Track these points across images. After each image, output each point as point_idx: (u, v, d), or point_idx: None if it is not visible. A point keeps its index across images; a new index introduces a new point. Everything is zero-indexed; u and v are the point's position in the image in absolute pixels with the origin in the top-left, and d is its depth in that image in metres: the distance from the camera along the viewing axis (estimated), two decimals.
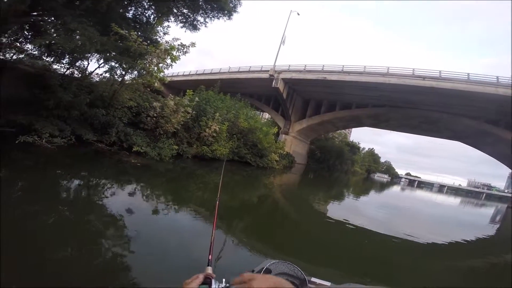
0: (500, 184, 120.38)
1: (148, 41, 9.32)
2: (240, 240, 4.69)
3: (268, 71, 28.96)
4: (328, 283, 1.90)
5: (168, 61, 9.42)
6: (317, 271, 2.21)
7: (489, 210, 28.83)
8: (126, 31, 7.81)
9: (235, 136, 15.08)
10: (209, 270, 0.92)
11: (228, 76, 32.95)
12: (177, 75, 38.93)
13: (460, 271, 5.18)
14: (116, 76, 9.77)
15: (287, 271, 1.95)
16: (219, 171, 12.32)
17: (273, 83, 28.33)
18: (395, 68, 24.71)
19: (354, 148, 53.45)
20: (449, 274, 4.83)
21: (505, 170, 51.38)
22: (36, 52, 8.94)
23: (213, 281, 0.88)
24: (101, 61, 9.36)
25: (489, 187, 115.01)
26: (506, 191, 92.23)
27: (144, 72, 9.41)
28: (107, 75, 9.76)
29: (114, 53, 8.38)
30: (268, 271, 1.90)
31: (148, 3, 9.82)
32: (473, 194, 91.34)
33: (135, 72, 9.64)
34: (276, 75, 28.35)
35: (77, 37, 7.04)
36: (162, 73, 9.94)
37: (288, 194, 12.78)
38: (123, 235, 3.52)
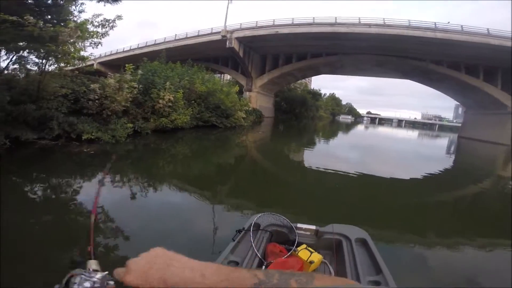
0: (449, 115, 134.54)
1: (62, 24, 8.14)
2: (225, 203, 4.72)
3: (219, 32, 27.98)
4: (313, 227, 1.99)
5: (84, 39, 8.48)
6: (301, 219, 2.24)
7: (443, 141, 32.28)
8: (17, 17, 6.62)
9: (194, 102, 14.50)
10: (94, 265, 0.67)
11: (175, 44, 30.95)
12: (117, 52, 36.02)
13: (428, 207, 5.50)
14: (29, 66, 8.80)
15: (274, 221, 2.06)
16: (185, 140, 12.13)
17: (227, 43, 27.62)
18: (343, 18, 25.90)
19: (316, 95, 54.79)
20: (418, 210, 5.19)
21: (452, 102, 56.66)
22: None
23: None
24: (10, 54, 8.24)
25: (440, 118, 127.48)
26: (454, 121, 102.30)
27: (59, 56, 8.35)
28: (15, 66, 8.77)
29: (20, 43, 7.38)
30: (257, 226, 1.97)
31: None
32: (427, 126, 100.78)
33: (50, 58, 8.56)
34: (228, 35, 27.56)
35: None
36: (81, 52, 8.88)
37: (262, 148, 13.04)
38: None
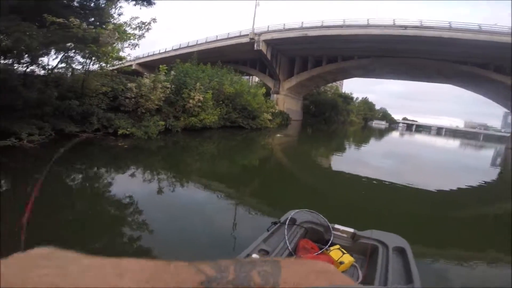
0: (496, 123, 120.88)
1: (103, 26, 8.87)
2: (254, 200, 4.77)
3: (247, 35, 28.32)
4: (351, 229, 1.97)
5: (122, 40, 9.13)
6: (337, 220, 2.21)
7: (489, 152, 28.89)
8: (63, 19, 7.28)
9: (222, 102, 14.84)
10: None
11: (206, 46, 31.93)
12: (154, 54, 38.06)
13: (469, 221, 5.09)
14: (74, 65, 9.55)
15: (311, 219, 2.07)
16: (213, 139, 12.43)
17: (255, 46, 27.88)
18: (375, 19, 25.19)
19: (347, 98, 52.95)
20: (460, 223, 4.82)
21: (500, 109, 51.55)
22: None
23: None
24: (58, 54, 9.04)
25: (486, 127, 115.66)
26: (503, 130, 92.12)
27: (100, 56, 9.07)
28: (63, 65, 9.50)
29: (68, 44, 8.07)
30: (293, 221, 2.01)
31: None
32: (471, 135, 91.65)
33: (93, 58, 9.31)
34: (256, 37, 27.83)
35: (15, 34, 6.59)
36: (120, 53, 9.60)
37: (289, 151, 12.84)
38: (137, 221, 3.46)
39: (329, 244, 1.83)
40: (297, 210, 2.13)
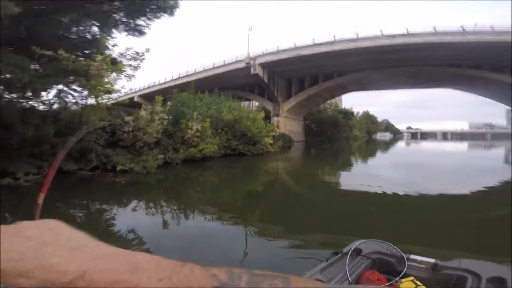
0: (500, 121, 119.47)
1: (92, 56, 8.95)
2: (279, 229, 4.41)
3: (243, 60, 29.03)
4: (432, 260, 1.68)
5: (112, 71, 9.01)
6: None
7: (499, 151, 28.45)
8: (51, 52, 7.33)
9: (221, 130, 14.75)
10: None
11: (205, 74, 32.78)
12: (154, 85, 39.09)
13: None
14: (68, 100, 9.50)
15: (380, 249, 1.82)
16: (214, 169, 12.15)
17: (251, 70, 28.41)
18: (363, 32, 25.83)
19: (348, 114, 53.02)
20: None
21: (502, 107, 51.37)
22: None
23: None
24: (51, 88, 9.11)
25: (491, 126, 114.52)
26: (509, 127, 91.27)
27: (91, 89, 8.99)
28: (55, 100, 9.49)
29: (59, 78, 8.12)
30: (357, 251, 1.77)
31: (80, 16, 9.38)
32: (478, 136, 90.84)
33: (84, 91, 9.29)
34: (252, 62, 28.44)
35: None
36: (114, 85, 9.40)
37: (293, 174, 12.39)
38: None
39: (401, 275, 1.57)
40: (363, 240, 1.88)
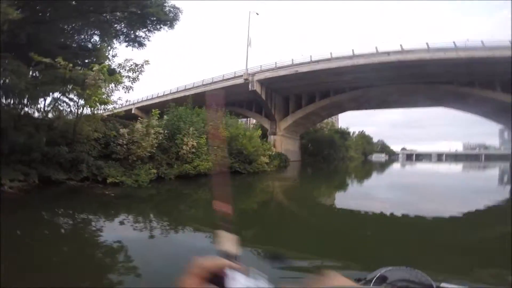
0: (494, 141, 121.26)
1: (89, 66, 8.95)
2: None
3: (242, 76, 29.11)
4: (465, 287, 1.60)
5: (107, 82, 8.96)
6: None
7: (493, 172, 28.92)
8: (49, 59, 7.35)
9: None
10: None
11: (203, 89, 32.72)
12: (152, 98, 39.05)
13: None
14: (63, 108, 9.42)
15: (407, 277, 1.71)
16: (207, 186, 11.87)
17: (250, 86, 28.43)
18: (359, 49, 26.13)
19: (344, 134, 53.40)
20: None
21: (494, 126, 52.58)
22: None
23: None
24: (47, 96, 9.04)
25: (485, 146, 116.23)
26: (502, 148, 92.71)
27: (86, 99, 8.92)
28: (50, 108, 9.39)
29: (55, 86, 8.06)
30: (382, 279, 1.65)
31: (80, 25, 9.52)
32: (472, 157, 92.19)
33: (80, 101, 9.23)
34: (250, 78, 28.51)
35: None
36: (103, 96, 9.26)
37: (287, 195, 12.10)
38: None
39: None
40: (389, 267, 1.76)
